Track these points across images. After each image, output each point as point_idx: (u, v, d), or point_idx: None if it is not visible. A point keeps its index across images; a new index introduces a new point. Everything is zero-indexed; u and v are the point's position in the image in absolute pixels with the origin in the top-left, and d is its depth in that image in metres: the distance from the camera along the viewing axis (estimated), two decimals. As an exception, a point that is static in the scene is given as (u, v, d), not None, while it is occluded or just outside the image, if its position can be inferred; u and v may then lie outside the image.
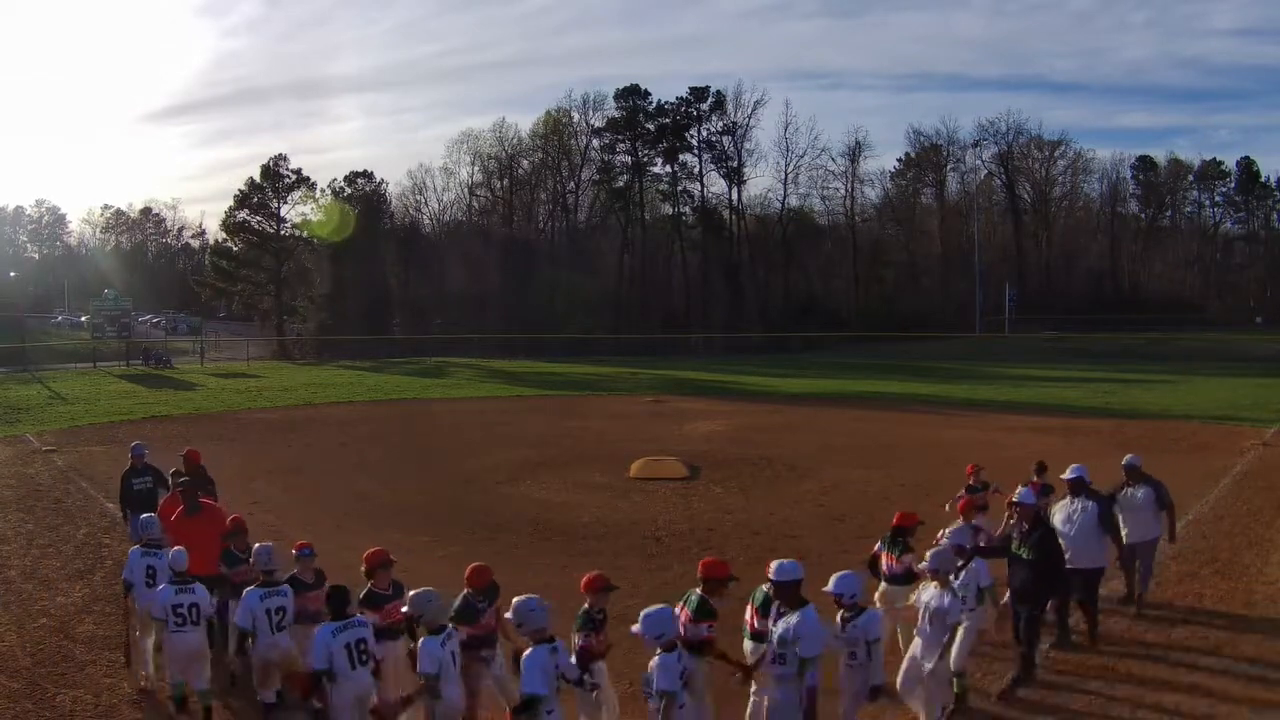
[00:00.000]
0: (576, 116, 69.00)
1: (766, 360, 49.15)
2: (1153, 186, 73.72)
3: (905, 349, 54.14)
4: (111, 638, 8.73)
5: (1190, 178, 74.01)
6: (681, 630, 5.97)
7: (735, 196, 68.88)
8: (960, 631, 6.86)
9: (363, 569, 6.94)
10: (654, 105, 67.50)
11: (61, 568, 11.31)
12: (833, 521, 13.68)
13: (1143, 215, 75.15)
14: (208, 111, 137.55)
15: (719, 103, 67.38)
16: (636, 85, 67.46)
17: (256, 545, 7.40)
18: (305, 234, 59.89)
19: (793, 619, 5.89)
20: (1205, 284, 72.27)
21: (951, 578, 7.02)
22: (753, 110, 67.32)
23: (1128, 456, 9.82)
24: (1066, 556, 8.25)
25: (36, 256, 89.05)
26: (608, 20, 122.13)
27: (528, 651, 5.55)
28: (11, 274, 75.99)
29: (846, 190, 70.72)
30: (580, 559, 11.78)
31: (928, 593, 6.90)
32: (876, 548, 8.26)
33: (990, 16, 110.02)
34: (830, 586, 6.31)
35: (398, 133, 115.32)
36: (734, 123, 67.49)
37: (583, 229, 70.32)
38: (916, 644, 6.90)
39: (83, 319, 57.77)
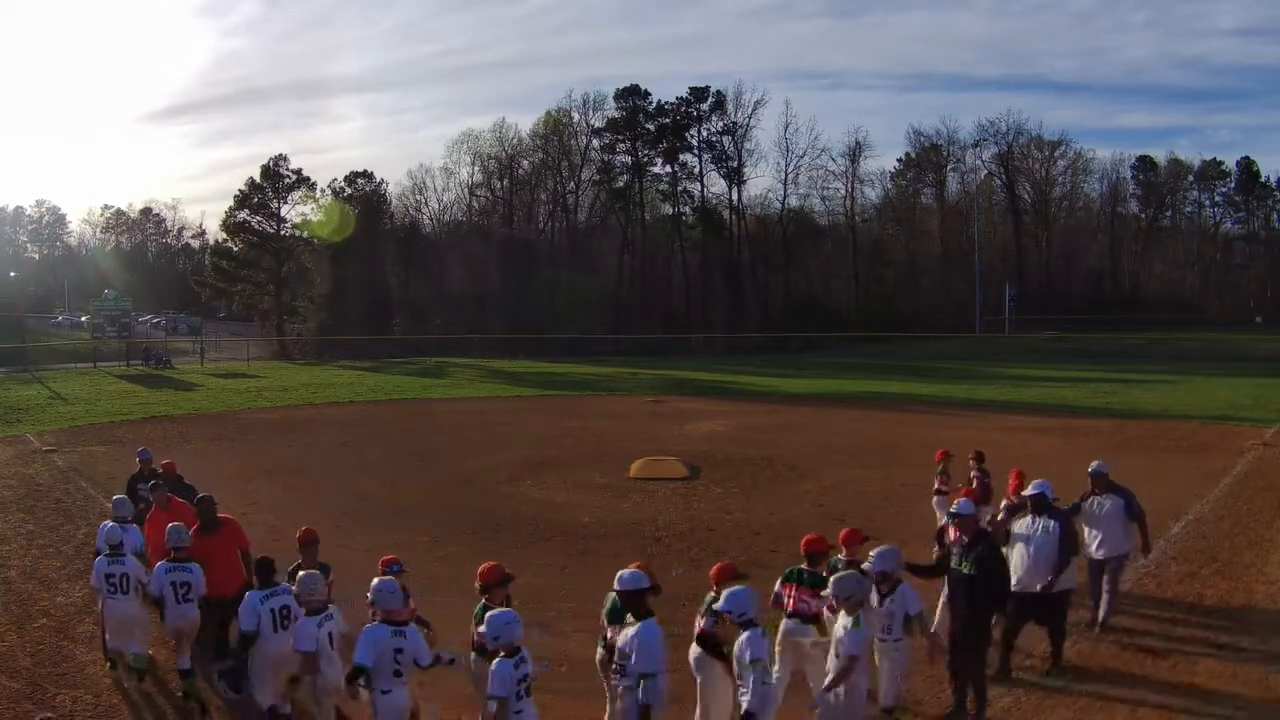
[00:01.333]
0: (576, 117, 69.06)
1: (766, 360, 49.14)
2: (1153, 186, 73.72)
3: (905, 349, 54.14)
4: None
5: (1190, 178, 74.01)
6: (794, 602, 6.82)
7: (735, 196, 68.93)
8: (884, 665, 6.52)
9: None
10: (654, 105, 67.51)
11: (62, 568, 11.30)
12: (833, 521, 13.61)
13: (1143, 215, 75.14)
14: (208, 111, 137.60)
15: (719, 103, 67.40)
16: (636, 85, 67.54)
17: (302, 573, 6.74)
18: (305, 234, 59.87)
19: (630, 631, 5.81)
20: (1205, 284, 72.27)
21: (877, 602, 6.48)
22: (753, 110, 67.40)
23: (1094, 463, 9.11)
24: (1025, 580, 7.83)
25: (37, 256, 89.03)
26: (608, 20, 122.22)
27: (366, 627, 6.01)
28: (12, 274, 76.04)
29: (847, 190, 70.78)
30: (580, 559, 11.81)
31: (838, 622, 6.30)
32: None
33: (991, 16, 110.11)
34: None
35: (398, 133, 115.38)
36: (734, 123, 67.53)
37: (583, 229, 70.29)
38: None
39: (83, 319, 57.77)
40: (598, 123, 68.30)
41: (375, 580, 6.25)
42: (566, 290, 58.29)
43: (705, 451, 19.99)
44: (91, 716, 7.29)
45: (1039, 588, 7.73)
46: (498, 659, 5.45)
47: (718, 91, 67.55)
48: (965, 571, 7.19)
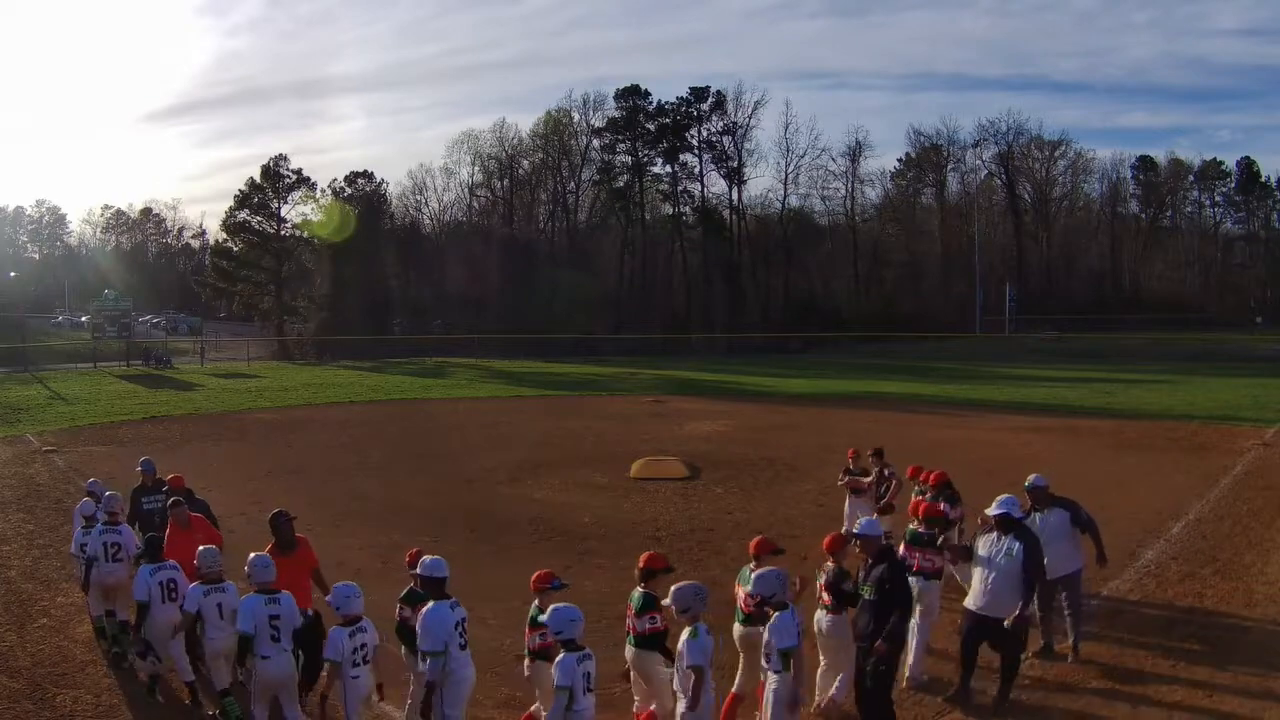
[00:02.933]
0: (577, 116, 69.10)
1: (766, 360, 49.14)
2: (1153, 187, 73.74)
3: (905, 349, 54.17)
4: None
5: (1190, 178, 74.03)
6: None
7: (735, 196, 68.96)
8: (768, 696, 6.09)
9: None
10: (654, 105, 67.52)
11: (61, 568, 11.29)
12: (833, 522, 13.61)
13: (1143, 215, 75.17)
14: (209, 111, 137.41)
15: (719, 103, 67.42)
16: (637, 85, 67.57)
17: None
18: (306, 234, 59.88)
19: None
20: (1205, 284, 72.25)
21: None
22: (753, 110, 67.42)
23: (1031, 477, 8.44)
24: (983, 603, 7.17)
25: (37, 257, 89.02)
26: (610, 20, 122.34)
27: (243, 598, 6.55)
28: (12, 274, 75.99)
29: (847, 190, 70.83)
30: (581, 559, 11.81)
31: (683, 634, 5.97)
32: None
33: (993, 16, 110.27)
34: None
35: (399, 133, 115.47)
36: (734, 123, 67.55)
37: (583, 229, 70.31)
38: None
39: (83, 319, 57.77)
40: (598, 123, 68.44)
41: (252, 555, 6.73)
42: (566, 290, 58.30)
43: (705, 451, 19.98)
44: (92, 716, 7.29)
45: (1006, 623, 7.04)
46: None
47: (718, 91, 67.69)
48: (865, 596, 6.61)
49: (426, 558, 6.53)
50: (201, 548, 7.23)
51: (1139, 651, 8.27)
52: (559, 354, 51.21)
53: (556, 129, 68.83)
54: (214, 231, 78.74)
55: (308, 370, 45.01)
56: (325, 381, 38.40)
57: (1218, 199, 74.78)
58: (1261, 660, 7.97)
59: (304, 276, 60.49)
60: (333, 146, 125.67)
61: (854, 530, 7.13)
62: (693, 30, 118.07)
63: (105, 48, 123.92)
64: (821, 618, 6.94)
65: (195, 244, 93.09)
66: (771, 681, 5.99)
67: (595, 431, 23.71)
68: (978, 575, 7.33)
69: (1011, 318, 61.66)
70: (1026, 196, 72.90)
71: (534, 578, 6.66)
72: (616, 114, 67.57)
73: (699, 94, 67.46)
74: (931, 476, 10.14)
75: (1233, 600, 9.62)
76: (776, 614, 5.96)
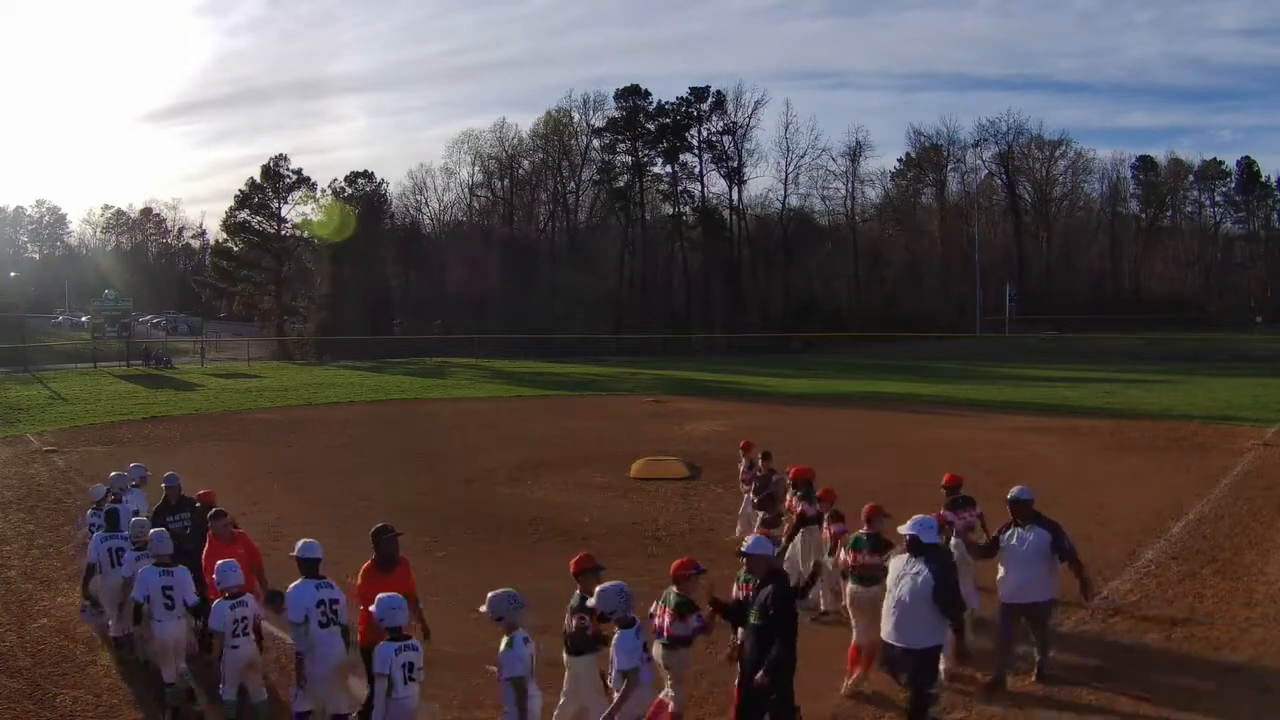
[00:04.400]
0: (577, 116, 69.22)
1: (767, 360, 49.15)
2: (1153, 186, 73.73)
3: (905, 349, 54.17)
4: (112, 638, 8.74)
5: (1190, 178, 74.03)
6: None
7: (735, 196, 69.07)
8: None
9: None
10: (654, 105, 67.61)
11: (62, 568, 11.30)
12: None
13: (1143, 215, 75.17)
14: (209, 111, 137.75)
15: (719, 103, 67.50)
16: (637, 85, 67.71)
17: (494, 593, 6.00)
18: (306, 234, 59.94)
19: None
20: (1206, 284, 72.27)
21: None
22: (753, 110, 67.56)
23: (1015, 489, 7.72)
24: (888, 630, 6.57)
25: (37, 257, 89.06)
26: (612, 20, 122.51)
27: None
28: (12, 274, 75.99)
29: (847, 190, 70.93)
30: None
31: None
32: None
33: (995, 16, 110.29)
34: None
35: (399, 133, 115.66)
36: (734, 123, 67.68)
37: (583, 229, 70.36)
38: None
39: (83, 319, 57.79)
40: (598, 123, 68.56)
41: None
42: (567, 290, 58.36)
43: (705, 451, 19.97)
44: (92, 716, 7.29)
45: (917, 653, 6.46)
46: (618, 632, 5.60)
47: (718, 91, 67.80)
48: (751, 621, 6.00)
49: (300, 541, 6.86)
50: (222, 562, 7.03)
51: (1139, 651, 8.27)
52: (559, 354, 51.22)
53: (556, 129, 68.88)
54: (214, 231, 78.97)
55: (308, 370, 45.02)
56: (325, 382, 38.40)
57: (1218, 199, 74.83)
58: (1262, 660, 7.97)
59: (304, 276, 60.54)
60: (333, 146, 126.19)
61: (741, 548, 6.50)
62: (693, 30, 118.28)
63: (105, 47, 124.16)
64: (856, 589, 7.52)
65: (195, 244, 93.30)
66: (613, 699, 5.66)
67: (595, 431, 23.71)
68: (886, 600, 6.71)
69: (1011, 318, 61.69)
70: (1026, 196, 72.93)
71: (675, 565, 6.42)
72: (616, 114, 67.69)
73: (699, 94, 67.54)
74: (791, 470, 10.38)
75: (1233, 600, 9.61)
76: (619, 632, 5.62)
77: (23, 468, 18.48)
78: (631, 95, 67.25)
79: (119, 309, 46.74)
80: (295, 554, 6.75)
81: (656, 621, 6.27)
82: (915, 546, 6.57)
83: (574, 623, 6.08)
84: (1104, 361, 44.01)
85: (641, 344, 54.90)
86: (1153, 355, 46.73)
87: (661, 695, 6.28)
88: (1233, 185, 73.38)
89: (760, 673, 5.76)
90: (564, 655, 6.14)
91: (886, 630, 6.60)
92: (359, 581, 6.80)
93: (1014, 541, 7.48)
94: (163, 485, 9.29)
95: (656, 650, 6.20)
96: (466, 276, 61.82)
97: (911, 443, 21.21)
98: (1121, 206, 74.38)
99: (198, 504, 9.03)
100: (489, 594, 5.77)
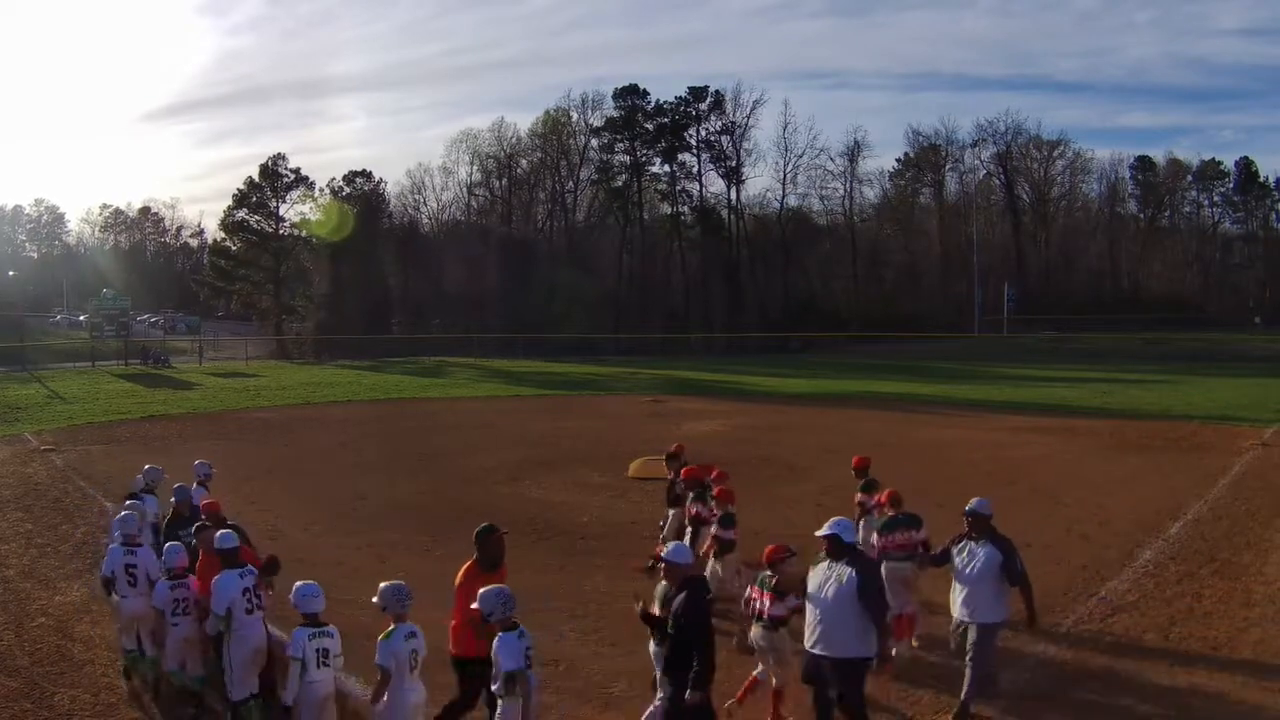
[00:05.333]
0: (575, 116, 69.21)
1: (766, 360, 49.16)
2: (1151, 186, 73.82)
3: (904, 349, 54.19)
4: (110, 638, 8.72)
5: (1189, 178, 74.12)
6: (767, 611, 6.49)
7: (734, 196, 69.11)
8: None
9: None
10: (652, 105, 67.61)
11: (60, 567, 11.29)
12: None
13: (1142, 215, 75.25)
14: (209, 111, 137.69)
15: (718, 102, 67.49)
16: (635, 85, 67.73)
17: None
18: (304, 233, 59.92)
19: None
20: (1204, 284, 72.39)
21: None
22: (751, 110, 67.57)
23: (974, 500, 7.12)
24: (812, 640, 6.14)
25: (35, 256, 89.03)
26: (612, 20, 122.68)
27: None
28: (10, 273, 75.93)
29: (845, 190, 70.94)
30: (580, 558, 11.79)
31: None
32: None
33: (995, 16, 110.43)
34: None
35: (399, 132, 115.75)
36: (732, 122, 67.68)
37: (581, 228, 70.36)
38: None
39: (81, 318, 57.79)
40: (596, 122, 68.53)
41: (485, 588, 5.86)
42: (565, 290, 58.36)
43: (704, 451, 19.91)
44: (90, 715, 7.27)
45: (846, 662, 6.02)
46: (499, 635, 5.53)
47: (716, 91, 67.80)
48: (668, 629, 5.73)
49: (218, 532, 7.13)
50: (168, 544, 7.49)
51: (1138, 651, 8.27)
52: (558, 353, 51.23)
53: (555, 128, 68.87)
54: (212, 231, 78.90)
55: (306, 370, 44.99)
56: (323, 381, 38.38)
57: (1216, 199, 74.94)
58: (1260, 660, 7.98)
59: (302, 276, 60.55)
60: (332, 146, 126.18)
61: (660, 555, 6.27)
62: (693, 30, 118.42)
63: (105, 47, 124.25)
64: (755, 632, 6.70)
65: (194, 243, 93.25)
66: (498, 708, 5.52)
67: (594, 431, 23.71)
68: (808, 611, 6.26)
69: (1010, 318, 61.72)
70: (1025, 196, 72.99)
71: (768, 550, 6.61)
72: (615, 113, 67.68)
73: (697, 94, 67.54)
74: (683, 471, 10.47)
75: (1231, 600, 9.61)
76: (501, 634, 5.49)
77: (21, 466, 18.45)
78: (630, 95, 67.27)
79: (117, 308, 46.69)
80: (216, 545, 7.00)
81: (755, 605, 6.55)
82: (835, 548, 6.20)
83: (767, 602, 6.48)
84: (1102, 361, 44.06)
85: (640, 343, 54.90)
86: (1151, 355, 46.80)
87: (755, 673, 6.75)
88: (1231, 185, 73.49)
89: (687, 693, 5.52)
90: (761, 632, 6.55)
91: (811, 641, 6.18)
92: (459, 583, 6.24)
93: (964, 556, 6.96)
94: (172, 499, 8.89)
95: (755, 632, 6.58)
96: (465, 276, 61.83)
97: (910, 443, 21.20)
98: (1120, 207, 74.52)
99: (204, 516, 8.28)
100: (480, 590, 5.70)
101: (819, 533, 6.30)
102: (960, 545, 7.02)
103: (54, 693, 7.61)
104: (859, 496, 10.24)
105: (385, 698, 5.64)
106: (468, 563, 6.37)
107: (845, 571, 6.06)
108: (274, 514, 14.01)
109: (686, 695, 5.52)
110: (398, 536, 12.70)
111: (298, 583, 6.20)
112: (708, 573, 8.51)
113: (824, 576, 6.16)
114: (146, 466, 10.41)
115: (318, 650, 5.93)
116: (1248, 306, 68.92)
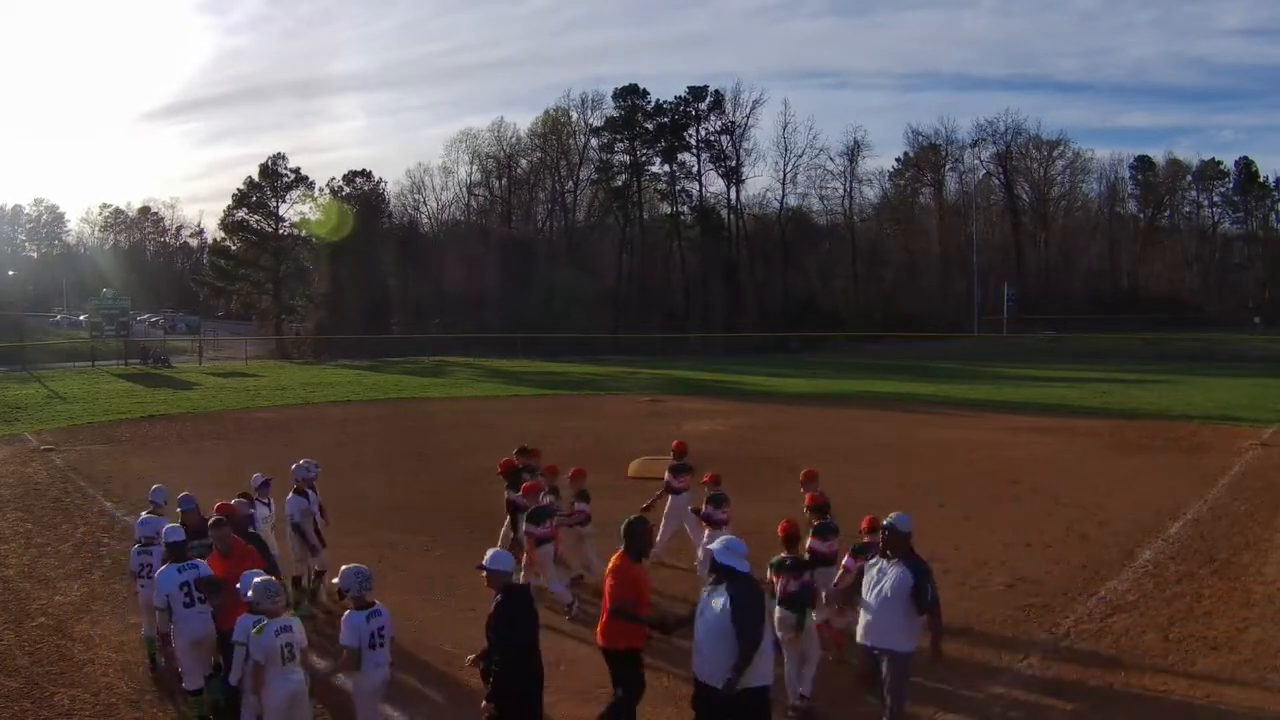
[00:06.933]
0: (575, 116, 69.25)
1: (765, 360, 49.15)
2: (1151, 187, 73.87)
3: (904, 349, 54.19)
4: (110, 637, 8.73)
5: (1189, 178, 74.16)
6: (782, 589, 6.95)
7: (734, 196, 69.16)
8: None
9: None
10: (652, 105, 67.61)
11: (60, 566, 11.29)
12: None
13: (1141, 215, 75.29)
14: (208, 110, 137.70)
15: (717, 102, 67.51)
16: (635, 85, 67.78)
17: (346, 567, 6.21)
18: (304, 233, 59.93)
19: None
20: (1204, 284, 72.41)
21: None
22: (751, 110, 67.62)
23: (894, 515, 6.53)
24: (696, 665, 5.56)
25: (35, 255, 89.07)
26: (612, 20, 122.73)
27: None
28: (10, 273, 75.99)
29: (845, 190, 70.98)
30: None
31: None
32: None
33: (996, 16, 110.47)
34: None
35: (399, 132, 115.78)
36: (732, 122, 67.72)
37: (581, 228, 70.36)
38: None
39: (81, 318, 57.78)
40: (596, 122, 68.55)
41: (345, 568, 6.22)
42: (565, 289, 58.37)
43: (704, 451, 19.91)
44: (90, 716, 7.27)
45: (722, 687, 5.31)
46: (348, 612, 5.90)
47: (716, 91, 67.84)
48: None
49: (166, 526, 7.36)
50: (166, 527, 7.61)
51: (1137, 651, 8.27)
52: (557, 353, 51.22)
53: (555, 128, 68.88)
54: (212, 230, 78.92)
55: (306, 369, 44.97)
56: (323, 380, 38.37)
57: (1216, 199, 74.98)
58: (1260, 660, 7.98)
59: (302, 275, 60.56)
60: (332, 145, 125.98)
61: (482, 565, 6.11)
62: (693, 30, 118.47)
63: (105, 46, 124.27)
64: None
65: (193, 243, 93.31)
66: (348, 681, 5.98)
67: (593, 431, 23.70)
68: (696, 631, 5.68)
69: (1010, 317, 61.73)
70: (1025, 196, 73.01)
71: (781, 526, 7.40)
72: (615, 113, 67.72)
73: (697, 93, 67.57)
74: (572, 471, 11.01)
75: (1230, 600, 9.62)
76: (349, 612, 5.89)
77: (20, 466, 18.44)
78: (630, 94, 67.27)
79: (117, 308, 46.65)
80: (164, 539, 7.18)
81: (776, 588, 7.01)
82: (713, 566, 5.68)
83: (793, 584, 6.89)
84: (1102, 361, 44.07)
85: (639, 343, 54.89)
86: (1151, 355, 46.82)
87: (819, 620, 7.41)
88: (1231, 185, 73.52)
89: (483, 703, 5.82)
90: (785, 613, 6.87)
91: (694, 666, 5.62)
92: (609, 571, 6.09)
93: (873, 574, 6.39)
94: (179, 509, 8.37)
95: (778, 614, 6.84)
96: (464, 275, 61.85)
97: (909, 442, 21.22)
98: (1120, 207, 74.57)
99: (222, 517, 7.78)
100: (343, 568, 6.06)
101: (709, 546, 5.95)
102: (872, 561, 6.51)
103: (54, 693, 7.61)
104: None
105: (266, 685, 5.78)
106: (616, 553, 6.23)
107: (718, 597, 5.47)
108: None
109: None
110: (397, 536, 12.71)
111: (256, 578, 6.11)
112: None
113: (705, 601, 5.60)
114: (155, 487, 9.35)
115: (284, 645, 5.86)
116: (1247, 306, 68.93)
